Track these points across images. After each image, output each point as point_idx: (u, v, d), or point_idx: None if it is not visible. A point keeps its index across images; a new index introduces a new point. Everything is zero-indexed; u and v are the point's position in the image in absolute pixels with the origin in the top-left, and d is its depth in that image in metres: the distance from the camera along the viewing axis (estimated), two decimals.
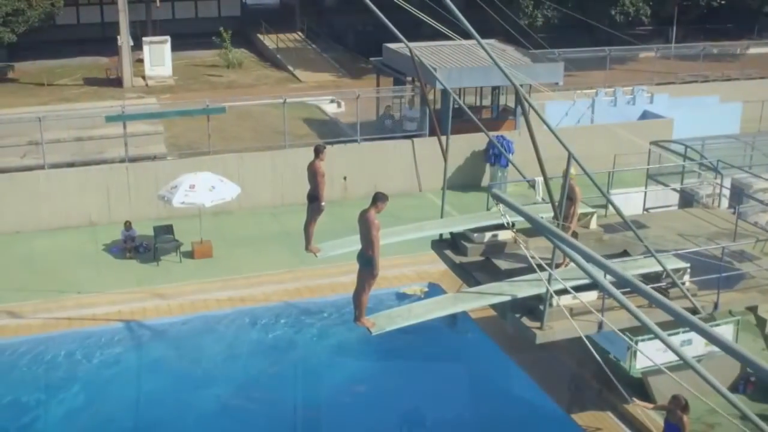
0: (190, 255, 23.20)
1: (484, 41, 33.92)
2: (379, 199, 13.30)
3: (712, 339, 6.75)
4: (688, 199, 21.37)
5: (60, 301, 20.84)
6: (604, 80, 36.36)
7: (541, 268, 15.20)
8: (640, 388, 16.23)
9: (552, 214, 15.05)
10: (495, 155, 27.77)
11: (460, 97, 31.18)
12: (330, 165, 27.55)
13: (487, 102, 31.77)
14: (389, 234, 17.17)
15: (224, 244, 23.98)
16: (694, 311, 14.71)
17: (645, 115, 31.60)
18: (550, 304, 14.23)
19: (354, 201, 27.61)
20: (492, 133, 28.49)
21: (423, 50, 30.03)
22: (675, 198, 21.82)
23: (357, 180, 27.81)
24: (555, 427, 16.73)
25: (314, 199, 16.01)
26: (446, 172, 17.23)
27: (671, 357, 14.95)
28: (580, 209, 17.50)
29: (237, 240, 24.38)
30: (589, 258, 7.14)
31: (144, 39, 41.02)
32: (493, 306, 15.18)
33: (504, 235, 16.93)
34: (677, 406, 13.92)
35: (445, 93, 27.31)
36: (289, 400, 18.26)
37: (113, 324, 20.09)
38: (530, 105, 14.25)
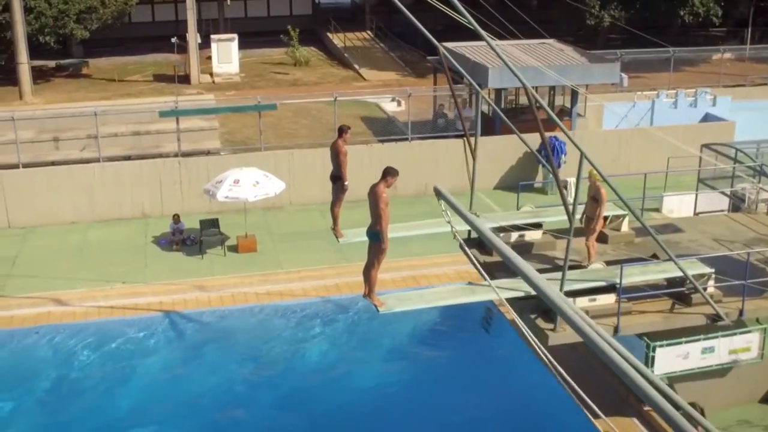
0: (234, 249, 23.58)
1: (546, 41, 33.63)
2: (389, 173, 13.34)
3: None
4: (737, 204, 20.89)
5: (105, 290, 21.44)
6: (671, 82, 35.65)
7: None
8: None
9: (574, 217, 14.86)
10: (547, 156, 27.44)
11: (516, 97, 31.06)
12: (380, 163, 27.84)
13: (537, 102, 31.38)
14: (413, 228, 17.27)
15: (270, 239, 24.31)
16: (716, 318, 14.39)
17: (707, 118, 30.89)
18: None
19: (403, 199, 27.71)
20: (547, 134, 28.35)
21: (479, 49, 29.97)
22: (726, 202, 21.37)
23: (407, 178, 27.75)
24: (577, 431, 16.50)
25: (337, 179, 16.10)
26: (475, 172, 17.16)
27: (691, 364, 14.72)
28: (613, 212, 17.30)
29: (283, 235, 24.68)
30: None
31: (212, 37, 41.76)
32: (512, 306, 15.07)
33: (531, 235, 16.82)
34: None
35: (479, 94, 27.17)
36: (309, 397, 18.35)
37: (153, 314, 20.56)
38: (542, 105, 14.05)
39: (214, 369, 19.09)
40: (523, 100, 30.90)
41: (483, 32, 12.99)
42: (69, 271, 22.37)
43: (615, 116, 30.75)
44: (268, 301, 21.09)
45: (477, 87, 17.49)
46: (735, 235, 17.49)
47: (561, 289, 13.61)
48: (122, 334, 19.93)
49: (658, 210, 25.38)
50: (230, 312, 20.79)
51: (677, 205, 25.05)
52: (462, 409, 17.83)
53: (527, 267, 7.75)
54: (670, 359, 14.44)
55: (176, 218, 24.03)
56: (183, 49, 41.23)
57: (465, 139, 17.64)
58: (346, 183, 16.22)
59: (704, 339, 14.57)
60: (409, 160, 27.90)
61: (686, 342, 14.46)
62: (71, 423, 17.52)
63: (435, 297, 13.98)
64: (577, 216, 17.70)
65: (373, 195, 13.23)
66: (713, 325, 14.57)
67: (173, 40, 37.56)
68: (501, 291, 14.38)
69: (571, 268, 15.36)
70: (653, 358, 14.42)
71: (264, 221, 25.40)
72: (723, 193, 21.20)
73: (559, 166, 27.38)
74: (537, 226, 16.93)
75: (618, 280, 14.06)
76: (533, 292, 14.06)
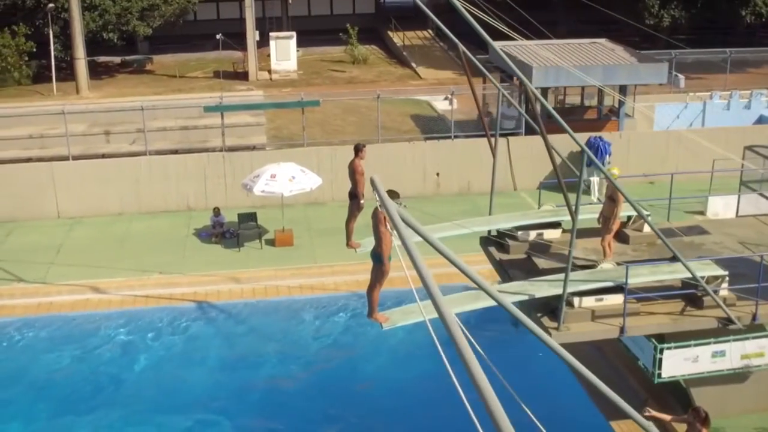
0: (272, 243, 23.93)
1: (597, 40, 33.23)
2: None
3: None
4: None
5: (142, 279, 22.00)
6: (729, 83, 34.91)
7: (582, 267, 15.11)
8: (681, 397, 15.73)
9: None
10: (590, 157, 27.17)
11: (562, 97, 30.80)
12: (423, 161, 28.07)
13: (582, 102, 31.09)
14: (433, 230, 17.27)
15: (307, 234, 24.61)
16: (727, 321, 14.15)
17: (761, 120, 30.22)
18: (572, 306, 14.02)
19: (446, 197, 27.82)
20: (593, 134, 28.13)
21: (526, 48, 29.80)
22: None
23: (449, 177, 27.92)
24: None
25: (354, 196, 16.25)
26: (495, 171, 17.18)
27: (700, 368, 14.50)
28: (634, 212, 17.09)
29: (321, 230, 24.94)
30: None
31: (271, 34, 42.28)
32: (520, 305, 15.04)
33: (550, 235, 16.75)
34: (697, 419, 13.34)
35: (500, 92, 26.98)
36: (331, 387, 18.56)
37: (186, 304, 21.06)
38: (543, 102, 13.97)
39: (238, 358, 19.46)
40: (571, 99, 30.66)
41: (483, 33, 12.90)
42: (110, 260, 22.99)
43: (667, 117, 30.29)
44: (299, 294, 21.39)
45: (498, 86, 17.35)
46: (762, 238, 17.13)
47: (564, 289, 13.58)
48: (154, 322, 20.48)
49: (702, 212, 24.93)
50: (261, 304, 21.15)
51: (722, 208, 24.56)
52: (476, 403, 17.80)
53: (430, 235, 7.77)
54: (678, 362, 14.24)
55: (216, 211, 24.50)
56: (229, 45, 41.85)
57: (487, 138, 17.60)
58: (361, 202, 16.38)
59: (715, 342, 14.32)
60: (451, 158, 27.94)
61: (695, 345, 14.24)
62: (101, 406, 18.04)
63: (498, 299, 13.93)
64: (584, 216, 17.65)
65: (375, 218, 13.37)
66: (725, 329, 14.32)
67: (218, 36, 38.24)
68: (506, 296, 14.39)
69: (585, 267, 15.32)
70: (660, 360, 14.23)
71: (304, 216, 25.72)
72: (762, 195, 20.75)
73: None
74: (556, 225, 16.85)
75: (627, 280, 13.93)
76: (537, 296, 14.12)
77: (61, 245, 24.09)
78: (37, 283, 21.86)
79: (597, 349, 18.79)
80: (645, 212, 17.00)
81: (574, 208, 13.51)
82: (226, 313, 20.88)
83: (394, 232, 7.41)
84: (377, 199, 7.03)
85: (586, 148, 13.28)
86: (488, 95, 31.47)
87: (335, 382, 19.04)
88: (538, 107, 16.29)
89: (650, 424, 8.64)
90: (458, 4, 12.43)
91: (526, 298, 13.95)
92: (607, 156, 27.19)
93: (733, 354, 14.42)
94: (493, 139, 17.21)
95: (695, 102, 30.93)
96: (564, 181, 13.94)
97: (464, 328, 8.52)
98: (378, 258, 13.44)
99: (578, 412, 17.02)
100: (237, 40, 46.07)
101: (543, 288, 14.03)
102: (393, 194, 13.72)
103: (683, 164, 27.58)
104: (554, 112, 13.78)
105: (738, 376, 15.31)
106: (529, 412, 7.73)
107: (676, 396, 16.01)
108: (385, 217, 13.36)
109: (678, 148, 28.57)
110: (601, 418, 16.68)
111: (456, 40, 16.98)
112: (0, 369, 19.11)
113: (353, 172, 16.39)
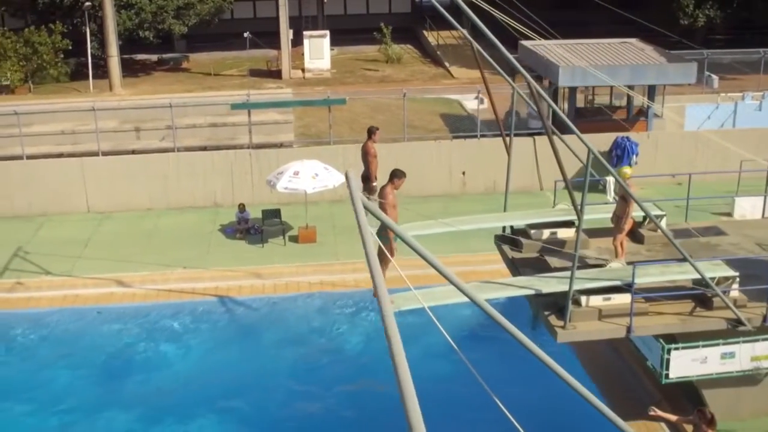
0: (295, 239, 24.14)
1: (628, 40, 33.07)
2: (396, 175, 13.58)
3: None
4: None
5: (166, 274, 22.32)
6: (763, 83, 34.47)
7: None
8: (694, 399, 15.63)
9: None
10: (618, 156, 27.12)
11: (590, 97, 30.68)
12: (449, 159, 28.12)
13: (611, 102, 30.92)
14: (441, 225, 17.41)
15: (331, 231, 24.79)
16: (737, 322, 14.06)
17: None
18: (578, 304, 14.03)
19: (472, 196, 27.83)
20: (621, 134, 28.00)
21: (556, 48, 29.73)
22: None
23: (475, 175, 27.93)
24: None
25: (366, 180, 16.40)
26: (509, 170, 17.22)
27: (709, 369, 14.43)
28: (652, 211, 17.02)
29: (345, 228, 25.07)
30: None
31: (304, 33, 42.60)
32: (529, 303, 15.11)
33: (563, 233, 16.73)
34: (702, 420, 13.28)
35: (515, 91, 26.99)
36: (344, 382, 18.70)
37: (207, 298, 21.31)
38: (548, 101, 13.99)
39: (257, 352, 19.66)
40: (600, 99, 30.52)
41: (488, 32, 12.96)
42: (136, 254, 23.36)
43: (698, 118, 30.04)
44: (319, 290, 21.56)
45: (510, 82, 17.34)
46: None
47: (570, 286, 13.60)
48: (175, 316, 20.74)
49: (729, 214, 24.70)
50: (281, 299, 21.37)
51: (749, 209, 24.31)
52: (492, 407, 17.83)
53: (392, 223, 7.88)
54: (686, 363, 14.17)
55: (241, 207, 24.78)
56: (256, 44, 42.20)
57: (502, 138, 17.64)
58: (374, 184, 16.53)
59: (724, 344, 14.22)
60: (477, 157, 27.94)
61: (704, 346, 14.16)
62: (123, 399, 18.34)
63: (443, 295, 14.07)
64: (593, 216, 17.63)
65: (381, 197, 13.48)
66: (735, 330, 14.23)
67: (246, 35, 38.56)
68: (513, 289, 14.49)
69: (597, 267, 15.32)
70: (668, 360, 14.17)
71: (328, 213, 25.90)
72: None
73: (629, 166, 26.95)
74: (570, 224, 16.84)
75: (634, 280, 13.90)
76: (544, 291, 14.17)
77: (89, 239, 24.52)
78: (64, 276, 22.28)
79: (613, 350, 18.76)
80: (660, 212, 16.98)
81: (580, 207, 13.45)
82: (245, 307, 21.12)
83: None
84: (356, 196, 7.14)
85: (592, 148, 13.26)
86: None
87: (354, 377, 19.18)
88: (545, 106, 16.26)
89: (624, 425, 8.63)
90: (462, 3, 12.47)
91: (531, 292, 14.02)
92: (634, 156, 27.05)
93: (742, 356, 14.32)
94: (508, 139, 17.12)
95: (726, 103, 30.61)
96: (581, 180, 14.02)
97: (437, 323, 8.65)
98: (385, 239, 13.53)
99: (589, 411, 16.97)
100: (273, 38, 46.54)
101: (550, 284, 14.06)
102: (400, 173, 13.88)
103: (712, 165, 27.35)
104: (559, 112, 13.74)
105: (751, 378, 15.20)
106: (501, 405, 7.79)
107: (689, 397, 15.92)
108: (391, 197, 13.50)
109: (707, 148, 28.32)
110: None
111: (468, 36, 17.06)
112: (20, 361, 19.50)
113: (366, 153, 16.59)
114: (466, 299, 14.88)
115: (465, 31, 15.44)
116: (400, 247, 12.86)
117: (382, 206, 13.43)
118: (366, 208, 6.99)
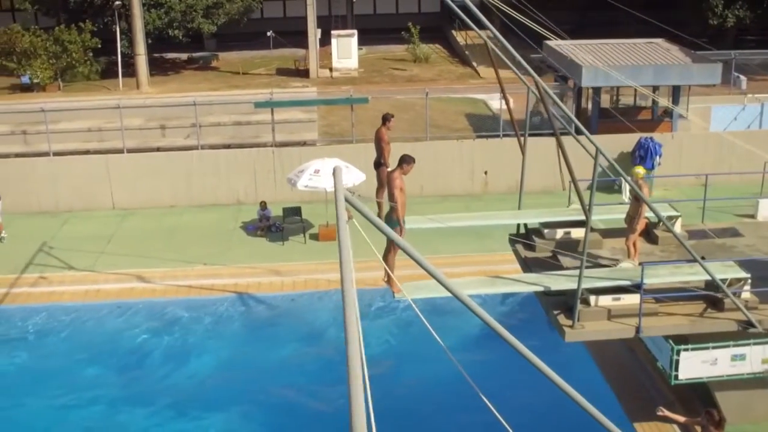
0: (315, 237, 24.27)
1: (653, 40, 32.82)
2: (404, 161, 13.70)
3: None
4: None
5: (186, 270, 22.54)
6: None
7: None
8: (707, 400, 15.54)
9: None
10: (641, 157, 26.95)
11: (615, 97, 30.50)
12: (471, 159, 28.12)
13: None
14: (455, 219, 17.46)
15: (353, 230, 24.76)
16: (747, 324, 13.97)
17: None
18: (588, 304, 14.01)
19: (494, 195, 27.80)
20: (645, 135, 27.82)
21: (581, 48, 29.61)
22: None
23: (497, 175, 27.89)
24: None
25: (378, 165, 16.48)
26: (524, 169, 17.24)
27: (719, 371, 14.35)
28: (666, 212, 16.94)
29: (365, 226, 25.14)
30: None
31: (332, 32, 42.72)
32: (540, 301, 15.11)
33: (577, 233, 16.69)
34: (710, 422, 13.21)
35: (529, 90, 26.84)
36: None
37: (226, 295, 21.53)
38: (553, 99, 13.96)
39: (274, 349, 19.84)
40: (625, 100, 30.33)
41: (497, 32, 12.96)
42: (157, 251, 23.61)
43: (724, 119, 29.79)
44: (337, 288, 21.62)
45: (523, 80, 17.30)
46: None
47: (579, 285, 13.58)
48: (194, 312, 20.96)
49: (753, 216, 24.48)
50: (299, 296, 21.51)
51: None
52: (503, 398, 17.83)
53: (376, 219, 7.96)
54: (695, 364, 14.10)
55: (263, 205, 24.96)
56: (280, 43, 42.36)
57: (517, 137, 17.64)
58: (388, 169, 16.60)
59: (734, 346, 14.12)
60: (500, 157, 27.89)
61: (714, 347, 14.08)
62: (141, 393, 18.57)
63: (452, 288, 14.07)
64: (607, 216, 17.58)
65: (388, 181, 13.57)
66: (746, 332, 14.13)
67: (269, 33, 38.77)
68: (522, 285, 14.52)
69: (608, 267, 15.29)
70: (677, 361, 14.10)
71: (351, 212, 25.95)
72: None
73: (652, 167, 26.79)
74: (584, 223, 16.77)
75: (645, 280, 13.86)
76: (553, 288, 14.18)
77: (112, 235, 24.83)
78: (86, 271, 22.59)
79: (629, 350, 18.68)
80: (675, 213, 16.89)
81: (588, 207, 13.43)
82: (264, 304, 21.30)
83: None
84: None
85: (600, 147, 13.23)
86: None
87: (372, 375, 19.20)
88: (550, 106, 16.21)
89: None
90: (469, 3, 12.51)
91: (541, 288, 14.04)
92: (658, 157, 26.88)
93: (753, 358, 14.21)
94: (522, 139, 17.13)
95: (753, 104, 30.33)
96: (600, 180, 13.98)
97: (422, 316, 8.68)
98: (393, 222, 13.65)
99: (602, 412, 16.92)
100: (302, 37, 46.73)
101: (558, 282, 14.07)
102: (409, 159, 13.97)
103: (738, 167, 27.11)
104: (568, 111, 13.70)
105: (764, 381, 15.07)
106: (487, 402, 7.82)
107: (702, 399, 15.82)
108: (399, 181, 13.60)
109: (733, 150, 28.07)
110: (625, 419, 16.60)
111: (479, 32, 17.02)
112: (40, 355, 19.81)
113: (379, 140, 16.71)
114: (470, 293, 15.01)
115: (477, 29, 15.32)
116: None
117: (391, 192, 13.54)
118: (348, 201, 7.04)
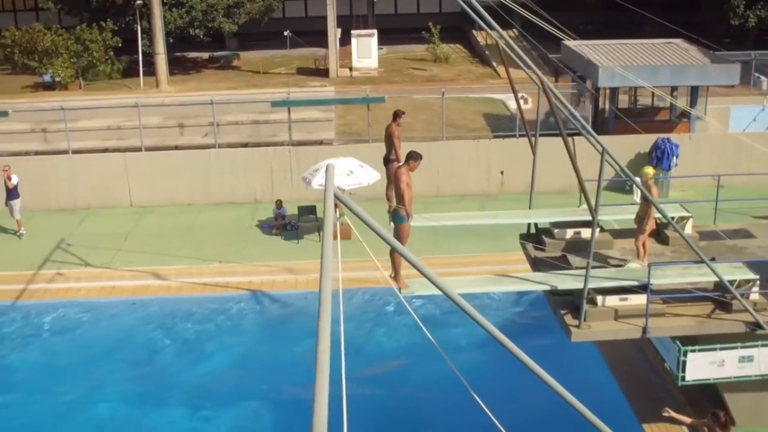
0: None
1: (672, 41, 32.64)
2: (411, 157, 13.80)
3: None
4: None
5: (201, 268, 22.73)
6: None
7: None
8: (717, 402, 15.49)
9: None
10: (658, 158, 26.86)
11: (633, 98, 30.40)
12: (487, 159, 28.13)
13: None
14: (463, 218, 17.51)
15: (367, 228, 24.84)
16: (756, 326, 13.92)
17: None
18: (594, 304, 14.02)
19: (510, 195, 27.77)
20: (662, 135, 27.72)
21: (598, 48, 29.54)
22: None
23: (514, 175, 27.87)
24: None
25: (388, 161, 16.56)
26: (535, 169, 17.22)
27: (726, 372, 14.31)
28: (677, 213, 16.91)
29: (382, 225, 25.23)
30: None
31: (352, 32, 42.83)
32: (548, 301, 15.14)
33: (587, 233, 16.68)
34: (717, 423, 13.21)
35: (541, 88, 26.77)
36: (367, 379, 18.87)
37: (240, 292, 21.70)
38: (557, 97, 13.97)
39: (288, 346, 19.93)
40: (643, 100, 30.22)
41: (502, 31, 12.99)
42: (173, 248, 23.81)
43: (743, 120, 29.63)
44: (349, 286, 21.72)
45: (533, 76, 17.30)
46: None
47: (585, 285, 13.60)
48: (208, 309, 21.15)
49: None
50: (313, 294, 21.58)
51: None
52: (511, 396, 17.87)
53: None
54: (702, 365, 14.05)
55: (279, 203, 25.10)
56: (298, 43, 42.46)
57: (527, 138, 17.64)
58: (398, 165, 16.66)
59: (742, 347, 14.07)
60: (516, 157, 27.83)
61: (721, 349, 14.03)
62: (155, 389, 18.75)
63: (459, 285, 14.18)
64: (617, 216, 17.53)
65: (395, 177, 13.67)
66: (754, 334, 14.08)
67: (286, 33, 38.91)
68: (528, 284, 14.56)
69: (617, 267, 15.28)
70: (684, 362, 14.07)
71: (368, 211, 25.98)
72: None
73: (668, 168, 26.71)
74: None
75: (652, 281, 13.85)
76: (559, 287, 14.21)
77: (129, 233, 25.06)
78: (103, 267, 22.82)
79: (639, 350, 18.65)
80: (687, 213, 16.84)
81: (595, 207, 13.45)
82: (277, 302, 21.44)
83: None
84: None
85: (606, 147, 13.24)
86: (563, 94, 31.27)
87: (385, 374, 19.33)
88: (557, 106, 16.21)
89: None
90: (475, 4, 12.53)
91: (548, 288, 14.07)
92: (674, 158, 26.78)
93: (761, 359, 14.15)
94: (533, 139, 17.16)
95: None
96: (612, 181, 14.11)
97: (421, 325, 8.74)
98: (400, 218, 13.73)
99: (611, 413, 16.90)
100: (323, 37, 46.86)
101: (565, 281, 14.09)
102: (416, 155, 14.06)
103: (757, 168, 26.94)
104: (573, 111, 13.72)
105: None
106: (477, 399, 7.87)
107: (711, 400, 15.77)
108: (405, 176, 13.69)
109: (751, 151, 27.90)
110: (634, 420, 16.59)
111: (489, 30, 17.04)
112: (55, 351, 20.04)
113: (389, 135, 16.80)
114: (475, 291, 15.09)
115: (489, 29, 15.36)
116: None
117: (398, 187, 13.63)
118: (338, 198, 7.13)
